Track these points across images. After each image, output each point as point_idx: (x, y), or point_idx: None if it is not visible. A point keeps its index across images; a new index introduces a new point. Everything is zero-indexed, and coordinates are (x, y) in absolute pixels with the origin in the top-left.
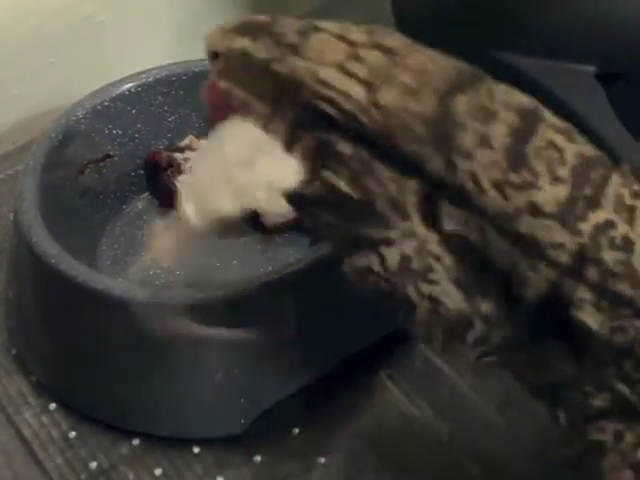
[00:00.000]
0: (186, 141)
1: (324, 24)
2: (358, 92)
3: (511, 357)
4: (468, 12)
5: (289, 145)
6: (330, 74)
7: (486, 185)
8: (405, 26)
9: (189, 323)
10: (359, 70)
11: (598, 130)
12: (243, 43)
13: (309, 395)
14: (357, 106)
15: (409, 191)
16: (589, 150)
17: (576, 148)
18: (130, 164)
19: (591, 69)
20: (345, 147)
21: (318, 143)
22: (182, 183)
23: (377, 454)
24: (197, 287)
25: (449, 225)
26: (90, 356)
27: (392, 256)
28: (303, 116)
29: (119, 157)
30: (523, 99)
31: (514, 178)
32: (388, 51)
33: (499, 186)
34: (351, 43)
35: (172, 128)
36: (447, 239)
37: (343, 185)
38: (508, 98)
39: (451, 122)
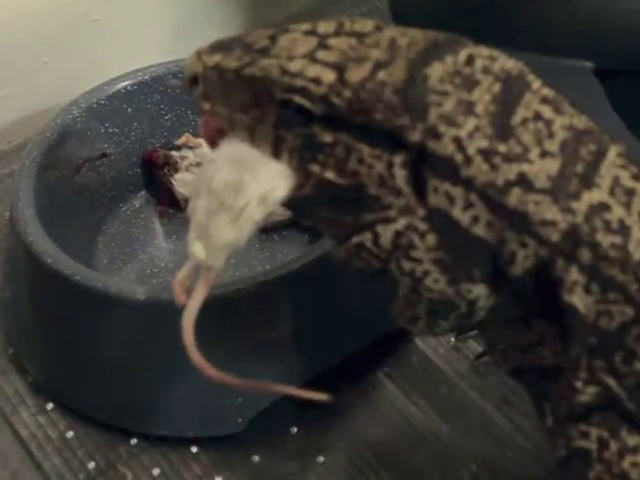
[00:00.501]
0: (182, 139)
1: (295, 25)
2: (328, 76)
3: (495, 333)
4: (465, 8)
5: (276, 150)
6: (299, 65)
7: (473, 153)
8: (402, 22)
9: None
10: (328, 56)
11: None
12: (216, 59)
13: None
14: (328, 89)
15: (397, 166)
16: (580, 123)
17: (565, 120)
18: (126, 163)
19: (589, 65)
20: (326, 136)
21: (301, 139)
22: (191, 227)
23: (376, 453)
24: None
25: (434, 199)
26: (87, 355)
27: (386, 233)
28: (283, 115)
29: (115, 156)
30: (508, 65)
31: (502, 148)
32: (357, 34)
33: (487, 155)
34: (320, 35)
35: (169, 126)
36: (432, 215)
37: (332, 175)
38: (490, 64)
39: (425, 88)
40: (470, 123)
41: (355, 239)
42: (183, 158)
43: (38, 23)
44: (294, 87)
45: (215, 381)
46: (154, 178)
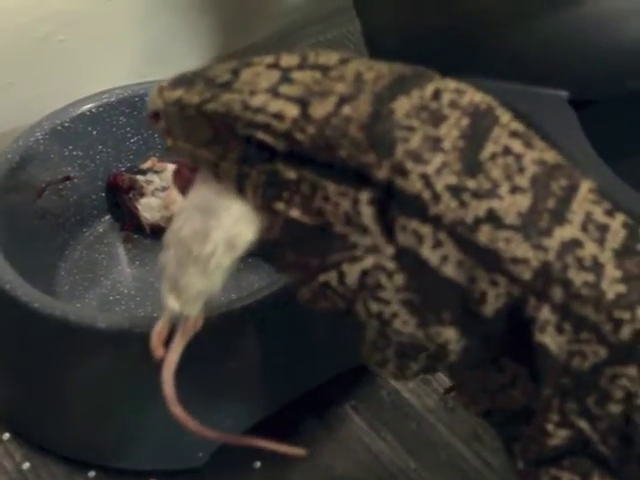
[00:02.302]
0: (148, 163)
1: (258, 58)
2: (291, 111)
3: (465, 375)
4: (440, 37)
5: (240, 187)
6: (261, 100)
7: (441, 190)
8: (375, 50)
9: (148, 352)
10: (291, 90)
11: (570, 155)
12: (177, 94)
13: (272, 427)
14: (291, 125)
15: (363, 203)
16: (551, 157)
17: (535, 154)
18: (91, 186)
19: (564, 94)
20: (290, 173)
21: (265, 176)
22: (163, 279)
23: None
24: (158, 314)
25: (402, 238)
26: (45, 385)
27: (352, 272)
28: (246, 151)
29: (79, 179)
30: (476, 98)
31: (471, 184)
32: (321, 68)
33: (455, 192)
34: (283, 69)
35: (134, 150)
36: (400, 254)
37: (297, 213)
38: (457, 98)
39: (391, 124)
40: (437, 159)
41: (321, 278)
42: (149, 182)
43: (3, 43)
44: (256, 123)
45: (194, 433)
46: (119, 202)
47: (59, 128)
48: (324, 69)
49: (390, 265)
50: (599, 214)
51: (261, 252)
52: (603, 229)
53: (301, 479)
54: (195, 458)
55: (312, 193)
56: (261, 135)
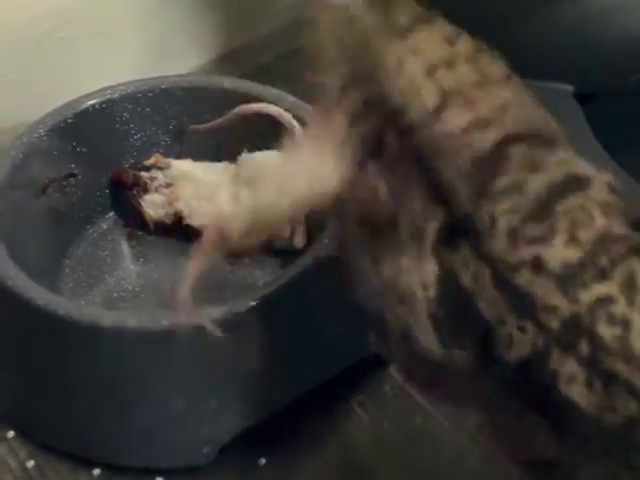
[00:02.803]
0: (152, 160)
1: (442, 20)
2: (431, 100)
3: (491, 416)
4: None
5: (348, 127)
6: (416, 70)
7: (501, 228)
8: None
9: (153, 349)
10: (445, 78)
11: (575, 149)
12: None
13: (277, 423)
14: (422, 115)
15: (433, 216)
16: (619, 229)
17: (608, 222)
18: (95, 183)
19: (569, 88)
20: (394, 142)
21: (372, 132)
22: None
23: None
24: (162, 311)
25: (449, 260)
26: (49, 383)
27: (389, 265)
28: (371, 97)
29: (83, 176)
30: (582, 170)
31: (530, 229)
32: (482, 72)
33: (513, 232)
34: (453, 51)
35: (138, 146)
36: (443, 273)
37: (381, 192)
38: (566, 162)
39: (497, 167)
40: (512, 201)
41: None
42: (153, 179)
43: (3, 41)
44: (398, 88)
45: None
46: (123, 199)
47: (62, 125)
48: (483, 74)
49: (428, 278)
50: (638, 274)
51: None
52: (637, 288)
53: (306, 475)
54: (200, 455)
55: (402, 181)
56: (393, 101)
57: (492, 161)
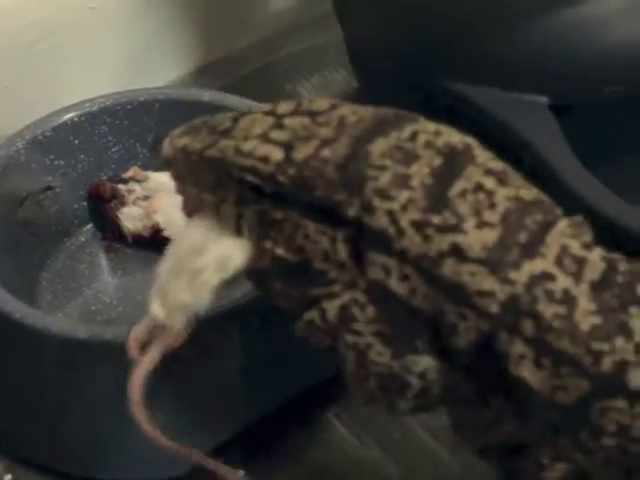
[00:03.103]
0: (130, 172)
1: (258, 107)
2: (276, 154)
3: (456, 413)
4: (420, 43)
5: (238, 226)
6: (252, 145)
7: (405, 225)
8: (357, 56)
9: (130, 362)
10: (280, 135)
11: (551, 161)
12: (184, 141)
13: (254, 435)
14: (275, 167)
15: (340, 241)
16: (529, 194)
17: (510, 192)
18: (72, 196)
19: (544, 100)
20: (277, 213)
21: (256, 216)
22: (154, 285)
23: None
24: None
25: (371, 272)
26: (27, 397)
27: (332, 308)
28: (240, 193)
29: (61, 188)
30: (453, 139)
31: (435, 219)
32: (311, 113)
33: (419, 227)
34: (277, 115)
35: (116, 159)
36: (371, 287)
37: (281, 251)
38: (434, 139)
39: (364, 164)
40: (403, 196)
41: (306, 316)
42: (130, 192)
43: None
44: (245, 166)
45: (149, 438)
46: (101, 212)
47: (40, 137)
48: (313, 114)
49: (362, 298)
50: (576, 248)
51: (251, 279)
52: (580, 262)
53: None
54: (177, 467)
55: (294, 232)
56: (250, 177)
57: (354, 163)
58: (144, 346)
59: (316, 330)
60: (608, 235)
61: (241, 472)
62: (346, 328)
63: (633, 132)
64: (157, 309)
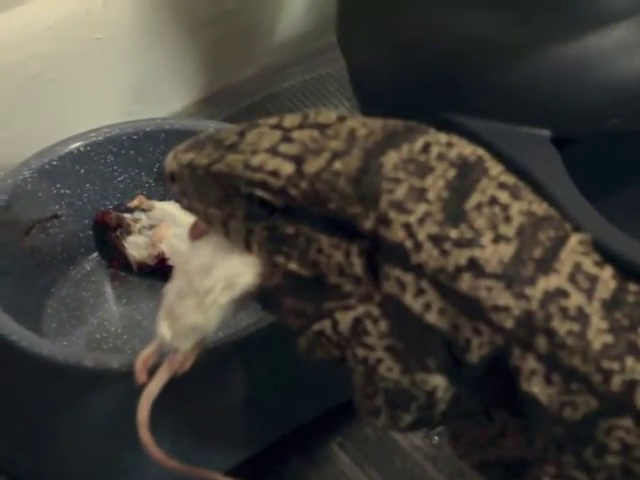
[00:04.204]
0: (135, 201)
1: (264, 120)
2: (286, 168)
3: (458, 426)
4: (423, 76)
5: (247, 243)
6: (261, 159)
7: (423, 239)
8: (360, 88)
9: (136, 391)
10: (289, 149)
11: (553, 194)
12: (189, 156)
13: (258, 465)
14: (286, 181)
15: (354, 255)
16: (540, 209)
17: (523, 206)
18: (78, 224)
19: (547, 133)
20: (288, 228)
21: (267, 232)
22: (161, 307)
23: None
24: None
25: (386, 285)
26: (29, 424)
27: (345, 320)
28: (249, 209)
29: (67, 217)
30: (465, 151)
31: (453, 233)
32: (320, 126)
33: (436, 241)
34: (285, 129)
35: (122, 188)
36: (385, 301)
37: (295, 266)
38: (446, 151)
39: (378, 177)
40: (420, 209)
41: (315, 327)
42: (136, 220)
43: None
44: (255, 181)
45: (158, 463)
46: (106, 240)
47: (47, 167)
48: (322, 127)
49: (375, 312)
50: (589, 265)
51: (260, 298)
52: (592, 280)
53: None
54: None
55: (307, 246)
56: (260, 192)
57: (368, 176)
58: (152, 370)
59: (326, 341)
60: None
61: None
62: (357, 341)
63: (634, 164)
64: (165, 331)
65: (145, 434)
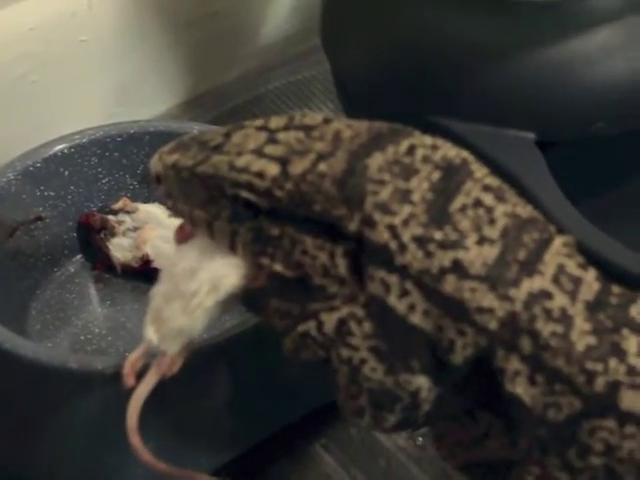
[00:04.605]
0: (120, 203)
1: (249, 122)
2: (271, 170)
3: (442, 427)
4: (408, 79)
5: (232, 244)
6: (246, 160)
7: (407, 241)
8: (344, 91)
9: (120, 392)
10: (274, 150)
11: (537, 197)
12: (174, 158)
13: (242, 465)
14: (271, 183)
15: (339, 256)
16: (525, 212)
17: (508, 208)
18: (62, 226)
19: (531, 136)
20: (273, 229)
21: (252, 233)
22: (148, 310)
23: None
24: (129, 354)
25: (370, 287)
26: (15, 426)
27: (329, 321)
28: (234, 210)
29: (51, 219)
30: (450, 153)
31: (437, 235)
32: (305, 128)
33: (421, 242)
34: (270, 130)
35: (106, 190)
36: (369, 302)
37: (279, 267)
38: (431, 153)
39: (363, 179)
40: (405, 211)
41: (300, 327)
42: (120, 222)
43: None
44: (240, 182)
45: (149, 467)
46: (90, 242)
47: (31, 169)
48: (307, 129)
49: (360, 313)
50: (572, 267)
51: (246, 300)
52: (576, 282)
53: None
54: None
55: (292, 248)
56: (245, 193)
57: (353, 178)
58: (140, 373)
59: (311, 342)
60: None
61: None
62: (342, 342)
63: (617, 167)
64: (152, 335)
65: (134, 438)
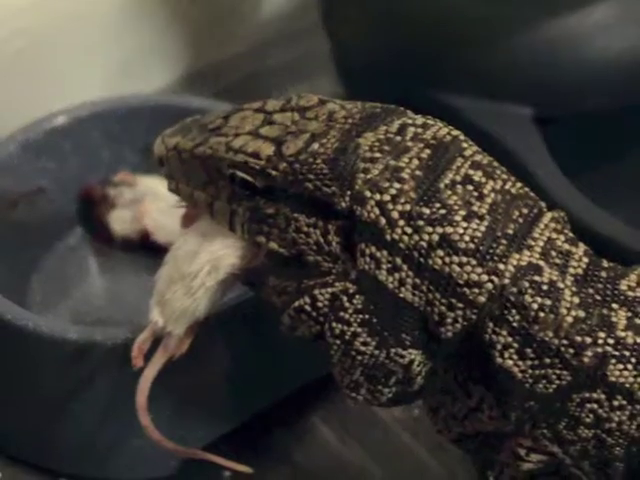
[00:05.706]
0: (120, 176)
1: (248, 104)
2: (266, 150)
3: (435, 400)
4: (406, 54)
5: (231, 224)
6: (242, 141)
7: (396, 217)
8: (343, 67)
9: (119, 363)
10: (270, 131)
11: (533, 171)
12: (175, 140)
13: (240, 437)
14: (266, 162)
15: (332, 233)
16: (514, 188)
17: (497, 184)
18: (63, 199)
19: (528, 111)
20: (269, 208)
21: (249, 212)
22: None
23: None
24: (128, 325)
25: (361, 262)
26: (17, 396)
27: (324, 296)
28: (233, 191)
29: (52, 191)
30: (440, 132)
31: (425, 211)
32: (301, 109)
33: (410, 218)
34: (267, 112)
35: (106, 163)
36: (360, 277)
37: (275, 245)
38: (422, 131)
39: (355, 157)
40: (395, 188)
41: (296, 303)
42: (120, 195)
43: None
44: (237, 162)
45: (157, 444)
46: (91, 215)
47: (32, 141)
48: (303, 110)
49: (352, 288)
50: (561, 241)
51: (245, 279)
52: (565, 256)
53: None
54: (165, 467)
55: (287, 226)
56: (241, 173)
57: (345, 156)
58: (148, 354)
59: (306, 317)
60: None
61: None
62: (335, 316)
63: (613, 143)
64: (157, 317)
65: (144, 418)
